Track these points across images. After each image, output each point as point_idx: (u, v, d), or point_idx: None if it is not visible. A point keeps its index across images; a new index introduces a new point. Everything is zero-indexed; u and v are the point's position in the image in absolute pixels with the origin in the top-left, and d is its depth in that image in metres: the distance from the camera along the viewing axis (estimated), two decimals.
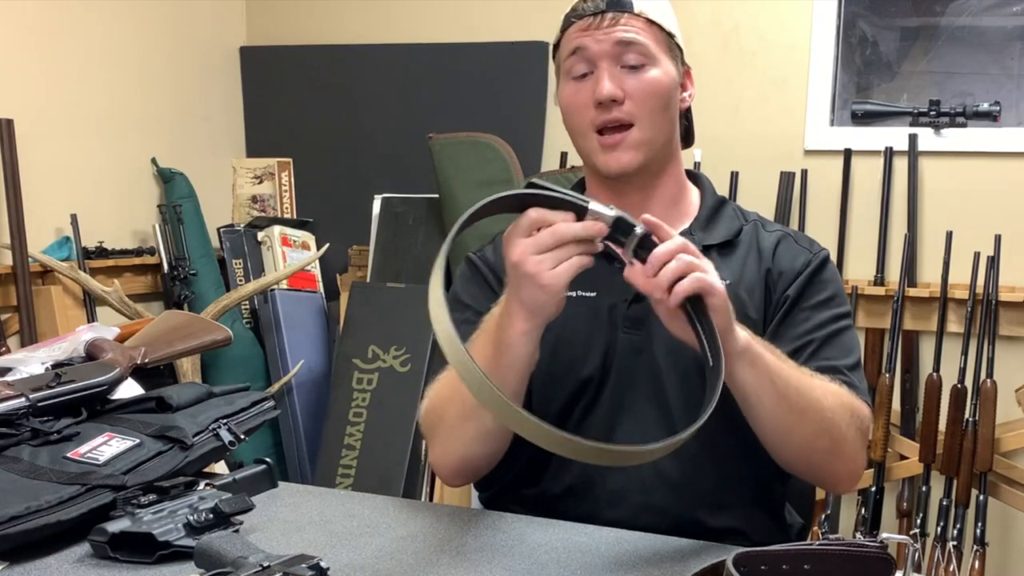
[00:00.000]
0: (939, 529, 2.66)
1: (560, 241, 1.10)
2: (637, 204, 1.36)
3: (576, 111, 1.34)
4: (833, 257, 2.88)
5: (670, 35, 1.36)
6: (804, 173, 2.94)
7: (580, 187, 1.46)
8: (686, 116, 1.43)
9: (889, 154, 2.84)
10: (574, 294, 1.34)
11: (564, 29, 1.36)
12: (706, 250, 1.35)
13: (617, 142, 1.32)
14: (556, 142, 3.17)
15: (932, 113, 2.82)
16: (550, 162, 3.18)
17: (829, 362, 1.30)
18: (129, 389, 1.42)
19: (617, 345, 1.34)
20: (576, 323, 1.34)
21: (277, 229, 3.27)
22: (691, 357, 1.25)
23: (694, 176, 1.47)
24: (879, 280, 2.84)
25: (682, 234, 1.35)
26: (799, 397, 1.22)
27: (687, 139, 1.45)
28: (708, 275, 1.12)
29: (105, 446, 1.23)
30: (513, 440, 1.40)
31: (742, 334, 1.18)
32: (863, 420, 1.30)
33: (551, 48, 1.41)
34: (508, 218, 1.15)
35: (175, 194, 3.18)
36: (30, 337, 2.70)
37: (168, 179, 3.20)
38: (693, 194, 1.44)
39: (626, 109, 1.31)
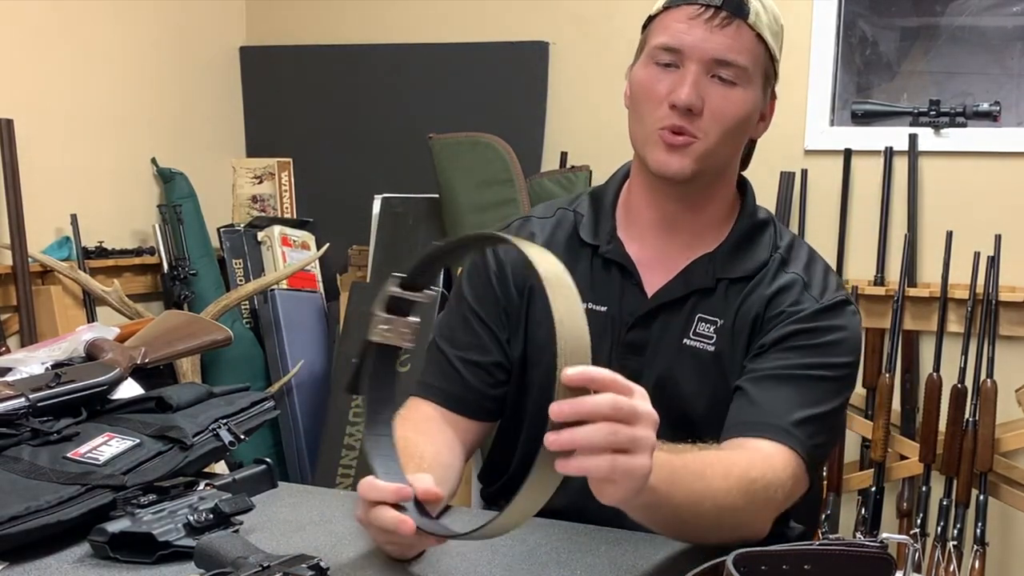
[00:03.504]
0: (939, 529, 2.66)
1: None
2: (676, 214, 1.31)
3: (648, 100, 1.25)
4: (833, 257, 2.92)
5: (772, 58, 1.27)
6: (804, 173, 2.94)
7: (623, 177, 1.38)
8: (752, 141, 1.35)
9: (889, 154, 2.84)
10: (587, 306, 1.27)
11: (667, 6, 1.25)
12: (718, 282, 1.30)
13: (680, 144, 1.23)
14: (556, 142, 3.17)
15: (932, 113, 2.82)
16: (550, 162, 3.18)
17: (761, 417, 1.19)
18: (129, 389, 1.42)
19: (612, 368, 1.19)
20: None
21: (277, 229, 3.26)
22: (682, 396, 1.24)
23: (741, 186, 1.37)
24: (879, 280, 2.84)
25: (700, 260, 1.30)
26: (689, 513, 1.08)
27: (743, 163, 1.37)
28: (629, 459, 0.89)
29: (105, 446, 1.23)
30: (514, 441, 1.40)
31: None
32: (775, 490, 1.15)
33: (647, 17, 1.29)
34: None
35: (175, 194, 3.18)
36: (30, 337, 2.69)
37: (168, 179, 3.20)
38: (734, 212, 1.35)
39: (699, 124, 1.23)
